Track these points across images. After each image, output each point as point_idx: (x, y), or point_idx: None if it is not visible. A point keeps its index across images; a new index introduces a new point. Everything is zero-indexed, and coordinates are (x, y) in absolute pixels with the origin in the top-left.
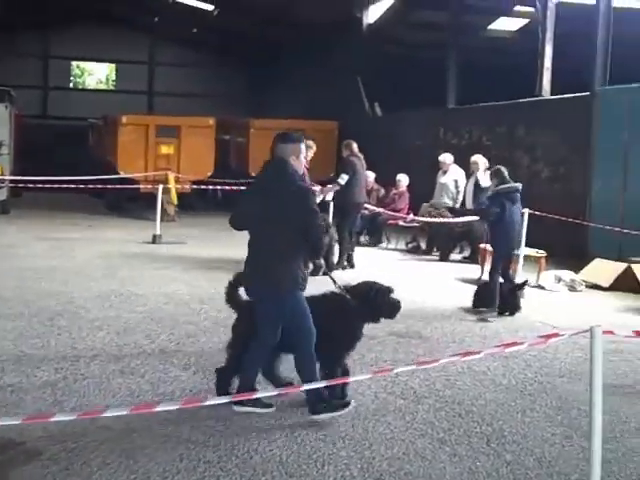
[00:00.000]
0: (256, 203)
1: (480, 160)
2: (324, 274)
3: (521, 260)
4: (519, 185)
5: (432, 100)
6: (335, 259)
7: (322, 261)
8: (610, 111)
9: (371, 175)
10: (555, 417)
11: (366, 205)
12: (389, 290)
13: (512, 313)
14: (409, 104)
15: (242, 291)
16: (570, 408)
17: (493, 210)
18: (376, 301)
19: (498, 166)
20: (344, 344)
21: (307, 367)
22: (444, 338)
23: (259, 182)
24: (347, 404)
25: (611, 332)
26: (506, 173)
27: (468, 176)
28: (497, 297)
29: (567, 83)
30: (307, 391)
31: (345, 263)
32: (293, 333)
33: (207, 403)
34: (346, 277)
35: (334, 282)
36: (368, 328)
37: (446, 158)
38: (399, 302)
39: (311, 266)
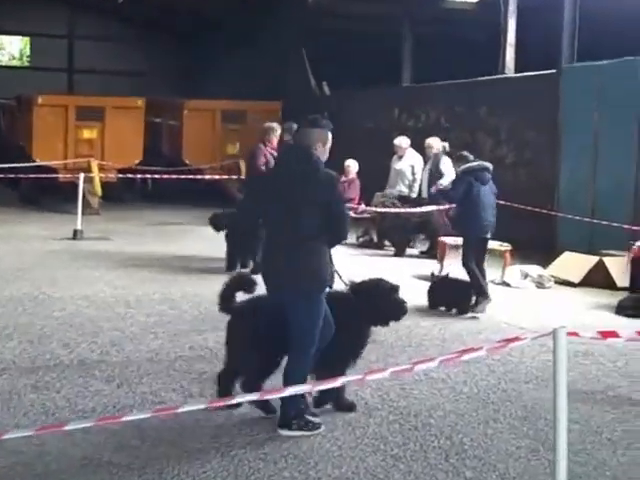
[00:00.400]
0: (277, 195)
1: (435, 143)
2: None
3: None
4: (487, 164)
5: (385, 78)
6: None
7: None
8: (578, 90)
9: None
10: (520, 428)
11: None
12: (394, 289)
13: (460, 313)
14: (360, 82)
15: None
16: (537, 418)
17: (458, 190)
18: (380, 300)
19: (461, 152)
20: (347, 351)
21: (297, 373)
22: (399, 342)
23: (279, 171)
24: (318, 426)
25: (575, 334)
26: (471, 157)
27: (425, 161)
28: (484, 284)
29: (532, 60)
30: (284, 402)
31: None
32: (297, 332)
33: (127, 418)
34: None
35: (340, 277)
36: None
37: (402, 142)
38: (404, 302)
39: (251, 264)
